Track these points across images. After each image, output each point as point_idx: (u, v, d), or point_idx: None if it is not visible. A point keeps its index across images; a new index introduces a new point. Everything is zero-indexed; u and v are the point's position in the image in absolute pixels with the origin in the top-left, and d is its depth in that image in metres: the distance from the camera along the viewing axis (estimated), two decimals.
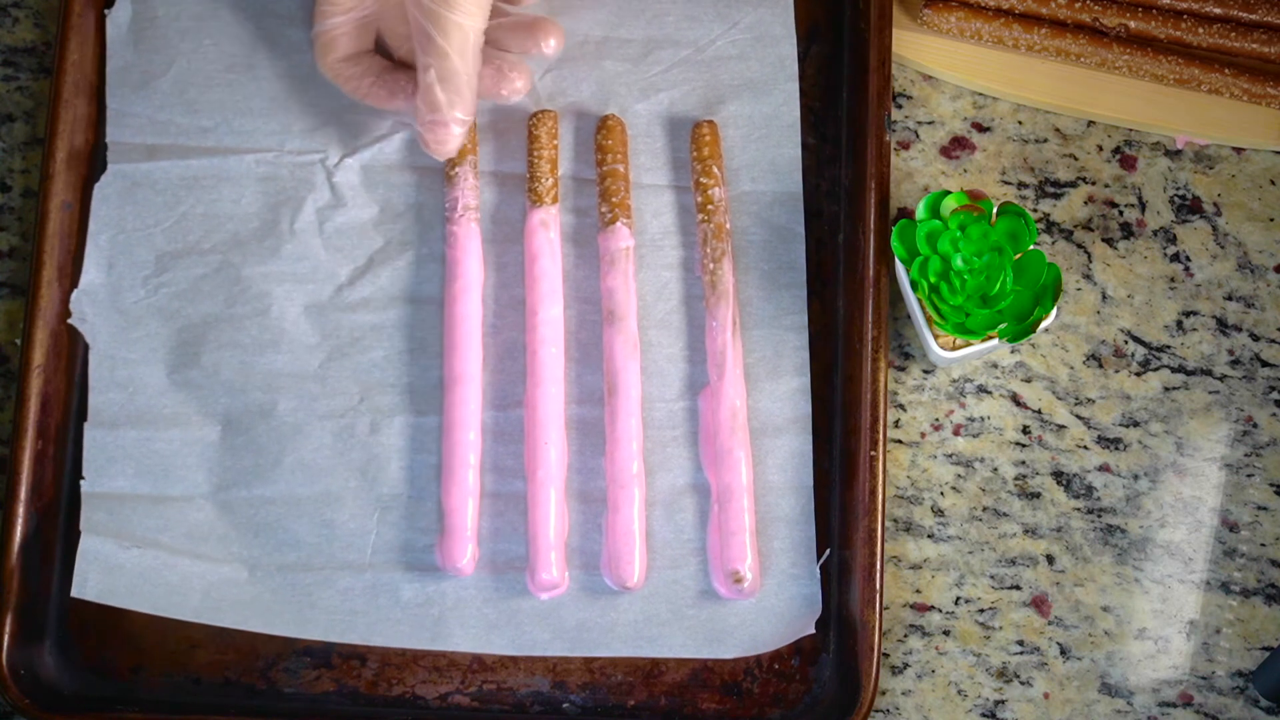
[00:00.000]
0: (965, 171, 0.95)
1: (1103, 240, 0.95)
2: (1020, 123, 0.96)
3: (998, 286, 0.86)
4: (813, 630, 0.89)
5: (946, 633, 0.91)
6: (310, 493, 0.90)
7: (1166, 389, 0.93)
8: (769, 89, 0.95)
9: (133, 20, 0.95)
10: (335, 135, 0.94)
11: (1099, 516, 0.92)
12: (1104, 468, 0.92)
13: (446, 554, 0.89)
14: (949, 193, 0.87)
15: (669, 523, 0.90)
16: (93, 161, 0.94)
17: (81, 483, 0.90)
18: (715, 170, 0.93)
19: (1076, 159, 0.96)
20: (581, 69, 0.95)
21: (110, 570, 0.89)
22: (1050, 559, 0.92)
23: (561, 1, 0.96)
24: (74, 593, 0.89)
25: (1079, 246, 0.95)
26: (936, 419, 0.93)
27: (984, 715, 0.90)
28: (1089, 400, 0.93)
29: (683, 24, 0.96)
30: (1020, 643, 0.91)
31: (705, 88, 0.95)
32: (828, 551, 0.90)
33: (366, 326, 0.92)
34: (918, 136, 0.96)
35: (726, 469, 0.89)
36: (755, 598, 0.89)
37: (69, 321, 0.91)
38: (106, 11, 0.95)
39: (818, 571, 0.90)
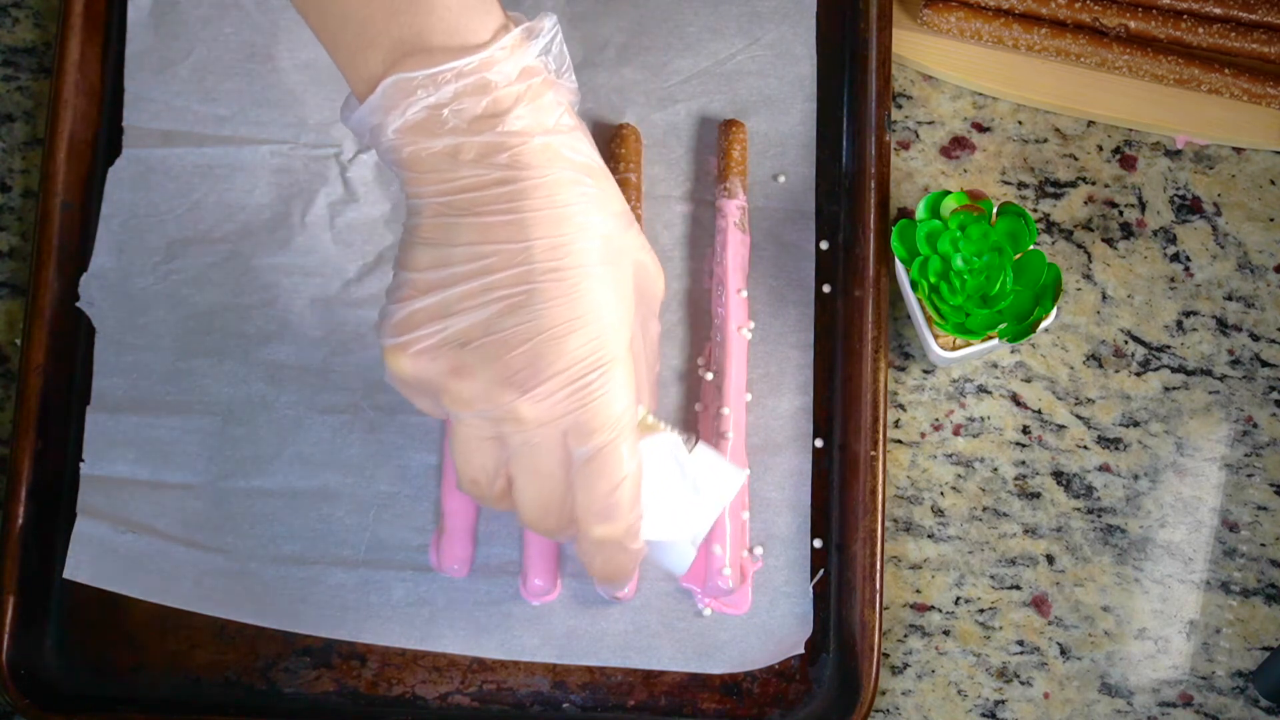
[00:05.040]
0: (965, 171, 0.95)
1: (1103, 240, 0.95)
2: (1020, 123, 0.96)
3: (998, 286, 0.86)
4: (802, 650, 0.89)
5: (946, 633, 0.91)
6: (307, 487, 0.90)
7: (1166, 389, 0.93)
8: (787, 107, 0.95)
9: (154, 4, 0.95)
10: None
11: (1099, 516, 0.92)
12: (1104, 468, 0.92)
13: (443, 554, 0.89)
14: (949, 193, 0.87)
15: None
16: (93, 161, 0.94)
17: (80, 465, 0.90)
18: (742, 176, 0.92)
19: (1076, 159, 0.96)
20: (600, 75, 0.95)
21: (104, 554, 0.89)
22: (1050, 559, 0.92)
23: (585, 5, 0.96)
24: (66, 574, 0.89)
25: (1079, 246, 0.95)
26: (936, 419, 0.93)
27: (984, 715, 0.90)
28: (1089, 400, 0.93)
29: (705, 35, 0.95)
30: (1020, 643, 0.91)
31: (723, 101, 0.95)
32: (821, 572, 0.90)
33: (372, 323, 0.92)
34: (918, 136, 0.96)
35: None
36: (744, 612, 0.89)
37: (76, 305, 0.91)
38: None
39: (810, 590, 0.89)
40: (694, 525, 0.80)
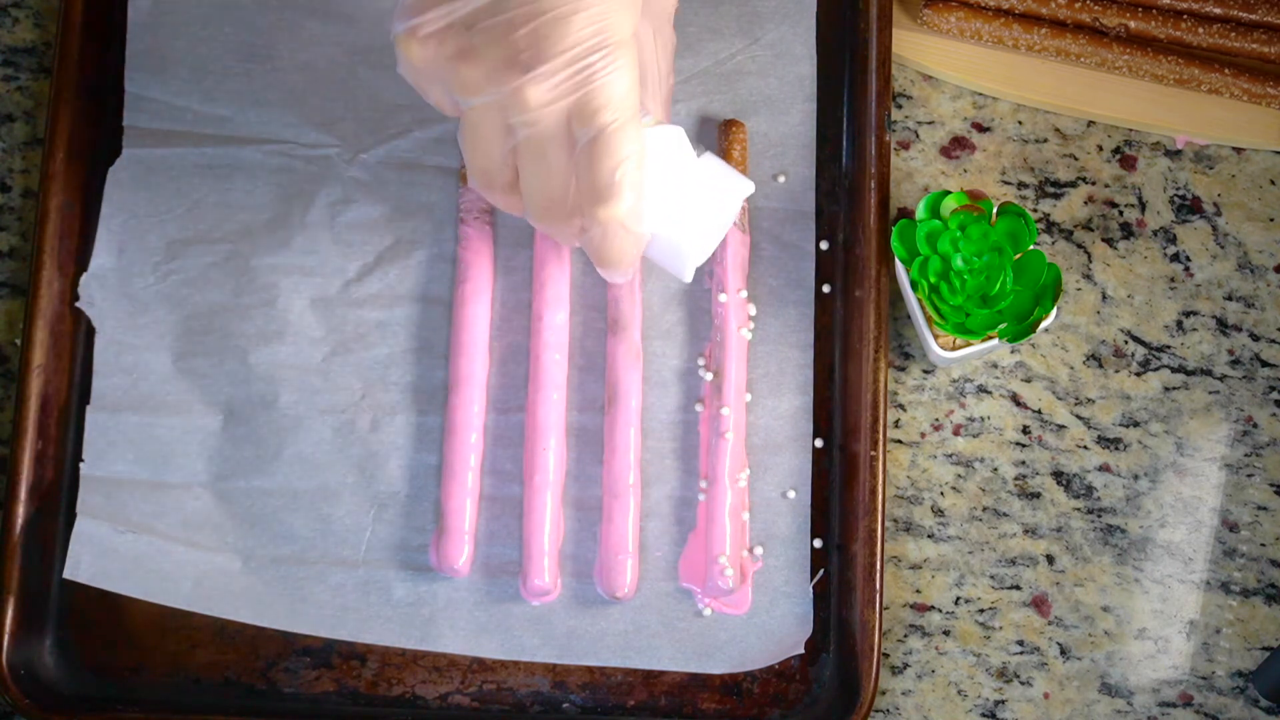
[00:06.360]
0: (965, 171, 0.95)
1: (1103, 240, 0.95)
2: (1020, 123, 0.96)
3: (998, 286, 0.86)
4: (802, 650, 0.89)
5: (946, 633, 0.91)
6: (308, 487, 0.90)
7: (1166, 389, 0.93)
8: (787, 108, 0.95)
9: (154, 4, 0.95)
10: (350, 130, 0.94)
11: (1099, 516, 0.92)
12: (1104, 468, 0.92)
13: (443, 554, 0.89)
14: (949, 193, 0.87)
15: (663, 535, 0.90)
16: (93, 161, 0.94)
17: (80, 465, 0.90)
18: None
19: (1076, 159, 0.96)
20: None
21: (104, 554, 0.89)
22: (1050, 559, 0.92)
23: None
24: (66, 574, 0.89)
25: (1079, 246, 0.95)
26: (936, 419, 0.93)
27: (984, 715, 0.90)
28: (1089, 400, 0.93)
29: (704, 35, 0.95)
30: (1020, 643, 0.91)
31: (723, 101, 0.95)
32: (821, 572, 0.90)
33: (372, 323, 0.92)
34: (918, 136, 0.96)
35: (719, 483, 0.89)
36: (744, 612, 0.89)
37: (76, 305, 0.91)
38: None
39: (810, 590, 0.90)
40: (700, 232, 0.81)
